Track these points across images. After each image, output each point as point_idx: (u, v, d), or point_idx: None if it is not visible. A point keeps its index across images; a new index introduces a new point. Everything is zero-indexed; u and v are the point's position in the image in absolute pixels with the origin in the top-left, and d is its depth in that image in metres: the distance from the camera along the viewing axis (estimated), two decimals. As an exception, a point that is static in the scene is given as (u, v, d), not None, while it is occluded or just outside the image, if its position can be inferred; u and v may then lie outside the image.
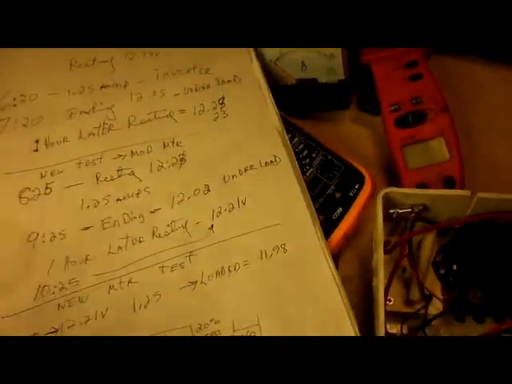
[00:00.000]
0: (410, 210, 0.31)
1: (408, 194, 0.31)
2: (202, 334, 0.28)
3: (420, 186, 0.35)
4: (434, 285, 0.31)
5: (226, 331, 0.28)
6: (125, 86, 0.36)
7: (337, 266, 0.35)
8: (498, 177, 0.37)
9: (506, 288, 0.30)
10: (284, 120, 0.36)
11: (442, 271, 0.32)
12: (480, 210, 0.31)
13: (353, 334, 0.29)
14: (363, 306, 0.33)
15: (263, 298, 0.29)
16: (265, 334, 0.28)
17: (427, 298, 0.31)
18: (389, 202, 0.31)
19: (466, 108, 0.40)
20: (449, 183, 0.35)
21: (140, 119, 0.34)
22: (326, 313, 0.29)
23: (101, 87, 0.36)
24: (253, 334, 0.28)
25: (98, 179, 0.32)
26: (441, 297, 0.31)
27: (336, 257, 0.35)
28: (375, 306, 0.29)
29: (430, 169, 0.35)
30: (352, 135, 0.40)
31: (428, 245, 0.32)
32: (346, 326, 0.29)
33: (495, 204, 0.30)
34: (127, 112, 0.35)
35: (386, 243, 0.32)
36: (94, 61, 0.37)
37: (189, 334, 0.28)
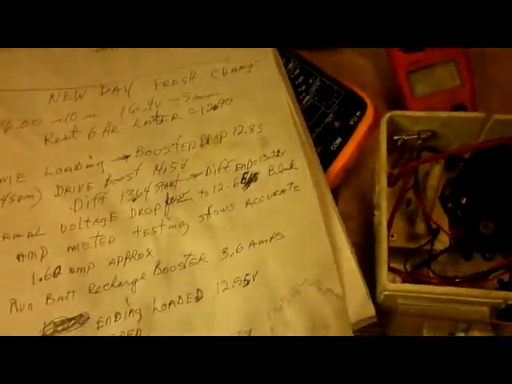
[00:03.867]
0: (416, 136, 0.28)
1: (415, 118, 0.28)
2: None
3: (428, 114, 0.32)
4: (440, 220, 0.29)
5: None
6: None
7: (336, 203, 0.33)
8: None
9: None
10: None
11: (450, 205, 0.29)
12: (494, 136, 0.28)
13: (355, 270, 0.27)
14: (364, 245, 0.31)
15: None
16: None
17: (433, 233, 0.28)
18: (393, 128, 0.28)
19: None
20: (459, 111, 0.32)
21: None
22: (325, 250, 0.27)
23: None
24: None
25: None
26: (448, 232, 0.28)
27: (335, 192, 0.32)
28: (377, 241, 0.27)
29: (439, 96, 0.32)
30: (352, 63, 0.37)
31: (435, 176, 0.29)
32: (347, 262, 0.27)
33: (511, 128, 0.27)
34: None
35: (389, 176, 0.29)
36: None
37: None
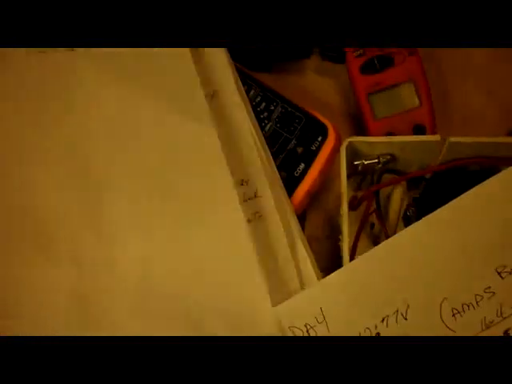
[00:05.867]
0: (376, 160, 0.29)
1: (373, 143, 0.28)
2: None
3: (389, 135, 0.32)
4: (404, 240, 0.29)
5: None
6: None
7: (303, 227, 0.33)
8: (472, 124, 0.35)
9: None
10: (240, 72, 0.33)
11: (413, 225, 0.30)
12: (452, 157, 0.28)
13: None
14: (332, 268, 0.31)
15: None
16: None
17: (397, 255, 0.28)
18: (354, 154, 0.29)
19: (435, 50, 0.37)
20: (419, 132, 0.32)
21: None
22: (290, 274, 0.27)
23: None
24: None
25: None
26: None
27: (302, 217, 0.33)
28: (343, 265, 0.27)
29: (399, 117, 0.33)
30: (315, 86, 0.37)
31: (397, 198, 0.29)
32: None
33: (468, 149, 0.28)
34: None
35: (353, 199, 0.30)
36: None
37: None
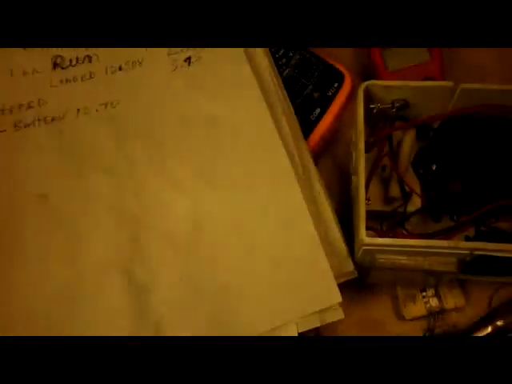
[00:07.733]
0: (390, 105, 0.30)
1: (388, 87, 0.29)
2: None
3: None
4: (412, 184, 0.31)
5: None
6: None
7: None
8: (482, 81, 0.36)
9: (485, 182, 0.29)
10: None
11: (421, 171, 0.31)
12: (462, 105, 0.30)
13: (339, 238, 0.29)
14: (340, 213, 0.33)
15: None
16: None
17: (406, 196, 0.30)
18: (369, 98, 0.30)
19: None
20: (429, 82, 0.34)
21: None
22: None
23: None
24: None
25: None
26: (420, 194, 0.30)
27: (315, 163, 0.34)
28: (356, 202, 0.28)
29: (410, 70, 0.34)
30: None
31: (408, 144, 0.31)
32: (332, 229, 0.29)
33: (478, 99, 0.29)
34: None
35: (366, 143, 0.31)
36: None
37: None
